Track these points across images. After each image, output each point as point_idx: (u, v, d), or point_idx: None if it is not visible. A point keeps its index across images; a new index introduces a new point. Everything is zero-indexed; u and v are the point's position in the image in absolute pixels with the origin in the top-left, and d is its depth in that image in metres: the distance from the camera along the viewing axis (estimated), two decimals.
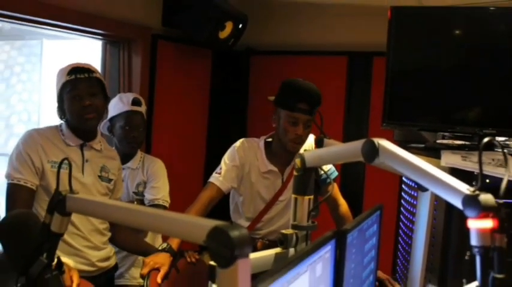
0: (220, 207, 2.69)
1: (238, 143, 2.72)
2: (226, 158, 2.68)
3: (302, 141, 2.56)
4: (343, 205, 2.90)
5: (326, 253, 1.50)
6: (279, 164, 2.68)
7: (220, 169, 2.65)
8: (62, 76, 2.45)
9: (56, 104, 2.53)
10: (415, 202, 2.14)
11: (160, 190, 3.03)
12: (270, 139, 2.71)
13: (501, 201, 1.22)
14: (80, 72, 2.45)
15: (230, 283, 0.94)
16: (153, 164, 3.11)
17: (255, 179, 2.68)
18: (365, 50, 4.14)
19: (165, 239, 2.53)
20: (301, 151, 2.54)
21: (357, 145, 1.60)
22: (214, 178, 2.63)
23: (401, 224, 2.88)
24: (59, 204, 1.30)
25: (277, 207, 2.70)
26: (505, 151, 2.33)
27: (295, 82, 2.59)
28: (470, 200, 1.23)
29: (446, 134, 2.67)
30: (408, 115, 2.63)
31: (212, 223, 0.97)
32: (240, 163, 2.66)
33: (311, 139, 2.65)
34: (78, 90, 2.43)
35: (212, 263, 0.97)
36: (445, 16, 2.61)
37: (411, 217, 2.51)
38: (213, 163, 2.83)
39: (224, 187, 2.62)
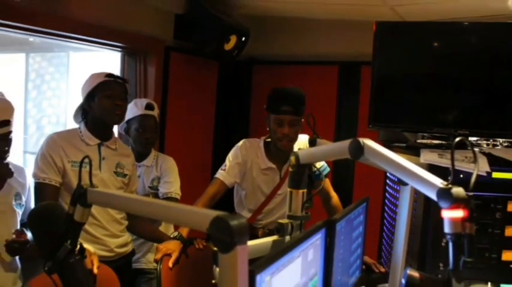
0: (225, 200, 2.71)
1: (240, 143, 2.73)
2: (230, 156, 2.69)
3: (291, 139, 2.56)
4: (335, 197, 2.91)
5: (317, 240, 1.51)
6: (277, 162, 2.68)
7: (225, 166, 2.66)
8: (97, 78, 2.50)
9: (77, 108, 2.56)
10: (397, 195, 2.14)
11: (172, 184, 3.03)
12: (269, 140, 2.71)
13: (471, 194, 1.23)
14: (116, 77, 2.55)
15: (230, 266, 0.94)
16: (166, 162, 3.11)
17: (256, 175, 2.69)
18: (354, 60, 4.13)
19: (177, 228, 2.54)
20: (296, 149, 2.55)
21: (344, 144, 1.61)
22: (220, 174, 2.64)
23: (385, 215, 2.88)
24: (81, 197, 1.31)
25: (275, 200, 2.70)
26: (475, 149, 2.35)
27: (278, 89, 2.62)
28: (444, 193, 1.24)
29: (425, 134, 2.67)
30: (392, 118, 2.63)
31: (214, 213, 0.97)
32: (242, 161, 2.66)
33: (305, 139, 2.65)
34: (113, 91, 2.50)
35: (215, 249, 0.97)
36: (424, 30, 2.61)
37: (394, 208, 2.52)
38: (218, 161, 2.84)
39: (228, 181, 2.63)
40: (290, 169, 1.89)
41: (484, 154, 2.28)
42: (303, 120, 2.57)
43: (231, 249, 0.93)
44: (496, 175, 2.22)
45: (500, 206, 2.24)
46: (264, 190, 2.70)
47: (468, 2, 3.38)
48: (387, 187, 2.83)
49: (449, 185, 1.24)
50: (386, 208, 2.87)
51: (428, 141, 2.63)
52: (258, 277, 1.08)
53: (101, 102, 2.48)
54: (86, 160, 1.44)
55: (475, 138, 2.55)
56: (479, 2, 3.34)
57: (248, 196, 2.74)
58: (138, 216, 2.63)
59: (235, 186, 2.75)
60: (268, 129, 2.63)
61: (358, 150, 1.54)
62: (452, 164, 1.25)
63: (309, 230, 1.48)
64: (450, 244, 1.23)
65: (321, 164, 2.73)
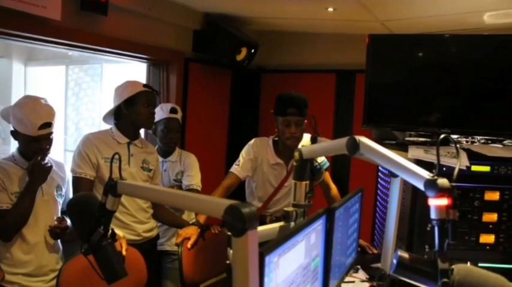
0: (238, 192, 2.69)
1: (252, 141, 2.72)
2: (243, 153, 2.68)
3: (297, 138, 2.54)
4: (334, 188, 2.89)
5: (319, 226, 1.50)
6: (284, 158, 2.66)
7: (239, 161, 2.65)
8: (135, 86, 2.51)
9: (110, 110, 2.56)
10: (388, 186, 2.12)
11: (194, 177, 3.02)
12: (276, 138, 2.70)
13: (454, 184, 1.20)
14: (152, 89, 2.57)
15: (242, 249, 0.93)
16: (188, 158, 3.10)
17: (266, 169, 2.67)
18: (349, 68, 4.11)
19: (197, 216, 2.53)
20: (300, 147, 2.53)
21: (342, 141, 1.59)
22: (234, 169, 2.63)
23: (378, 204, 2.86)
24: (112, 188, 1.30)
25: (282, 191, 2.69)
26: (457, 145, 2.33)
27: (284, 94, 2.59)
28: (430, 183, 1.22)
29: (412, 133, 2.65)
30: (383, 118, 2.61)
31: (229, 202, 0.96)
32: (254, 157, 2.65)
33: (307, 138, 2.63)
34: (151, 101, 2.54)
35: (229, 233, 0.96)
36: (410, 42, 2.58)
37: (385, 198, 2.49)
38: (232, 157, 2.82)
39: (241, 175, 2.62)
40: (294, 163, 1.87)
41: (464, 149, 2.26)
42: (306, 121, 2.55)
43: (243, 234, 0.92)
44: (474, 168, 2.20)
45: (478, 195, 2.22)
46: (273, 183, 2.68)
47: (449, 18, 3.35)
48: (379, 179, 2.81)
49: (435, 177, 1.22)
50: (378, 198, 2.84)
51: (415, 139, 2.61)
52: (267, 258, 1.07)
53: (139, 109, 2.48)
54: (116, 156, 1.43)
55: (455, 136, 2.52)
56: (459, 17, 3.31)
57: (258, 188, 2.72)
58: (162, 205, 2.64)
59: (247, 179, 2.74)
60: (276, 130, 2.62)
61: (354, 146, 1.52)
62: (438, 158, 1.23)
63: (311, 217, 1.46)
64: (436, 229, 1.20)
65: (321, 159, 2.71)
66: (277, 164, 2.66)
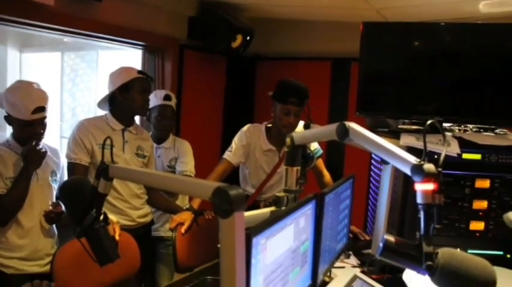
0: (232, 178, 2.71)
1: (245, 128, 2.72)
2: (236, 139, 2.69)
3: (293, 127, 2.55)
4: (327, 175, 2.91)
5: (308, 210, 1.52)
6: (277, 144, 2.67)
7: (232, 148, 2.66)
8: (130, 73, 2.51)
9: (105, 96, 2.56)
10: (381, 173, 2.14)
11: (187, 164, 3.04)
12: (270, 125, 2.71)
13: (440, 169, 1.22)
14: (146, 75, 2.57)
15: (229, 230, 0.94)
16: (182, 144, 3.11)
17: (258, 155, 2.69)
18: (344, 56, 4.12)
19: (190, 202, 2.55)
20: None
21: (332, 127, 1.60)
22: (227, 155, 2.64)
23: (370, 191, 2.88)
24: (104, 171, 1.32)
25: (275, 177, 2.69)
26: (448, 133, 2.35)
27: (287, 81, 2.57)
28: (417, 168, 1.23)
29: (405, 121, 2.66)
30: (376, 106, 2.61)
31: (216, 184, 0.97)
32: (246, 143, 2.66)
33: (301, 124, 2.64)
34: (145, 87, 2.54)
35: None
36: (405, 30, 2.57)
37: (378, 185, 2.51)
38: (226, 143, 2.83)
39: (234, 161, 2.63)
40: (286, 149, 1.88)
41: (455, 137, 2.27)
42: None
43: (229, 215, 0.93)
44: (465, 155, 2.22)
45: (469, 183, 2.24)
46: (265, 169, 2.70)
47: (444, 6, 3.36)
48: (372, 167, 2.83)
49: (422, 162, 1.24)
50: (371, 185, 2.87)
51: (408, 126, 2.62)
52: (254, 240, 1.09)
53: (134, 96, 2.49)
54: (108, 141, 1.44)
55: (448, 124, 2.54)
56: (454, 5, 3.32)
57: (251, 174, 2.74)
58: (156, 191, 2.66)
59: (241, 165, 2.75)
60: (272, 115, 2.61)
61: (344, 132, 1.54)
62: (424, 143, 1.24)
63: (300, 201, 1.48)
64: (422, 213, 1.22)
65: (314, 147, 2.73)
66: (270, 150, 2.68)
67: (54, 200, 2.37)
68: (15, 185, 2.15)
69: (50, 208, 2.27)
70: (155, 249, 3.04)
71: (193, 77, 4.00)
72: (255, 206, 2.58)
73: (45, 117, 2.25)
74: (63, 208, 2.27)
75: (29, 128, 2.19)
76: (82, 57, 5.96)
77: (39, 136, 2.24)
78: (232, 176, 2.71)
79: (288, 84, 2.56)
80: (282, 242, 1.28)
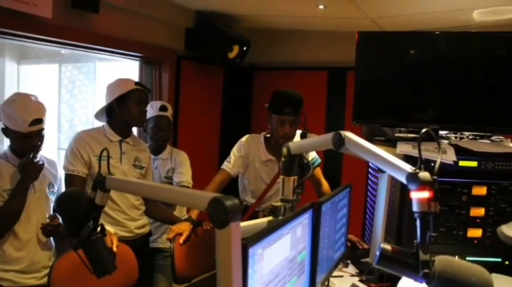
0: (230, 189, 2.71)
1: (244, 138, 2.73)
2: (234, 150, 2.69)
3: (290, 137, 2.55)
4: (325, 184, 2.91)
5: (305, 220, 1.52)
6: (276, 154, 2.67)
7: (230, 158, 2.67)
8: (127, 84, 2.51)
9: (103, 108, 2.57)
10: (377, 181, 2.15)
11: (184, 174, 3.03)
12: (268, 135, 2.71)
13: (435, 177, 1.23)
14: (144, 87, 2.57)
15: (225, 240, 0.95)
16: (179, 155, 3.11)
17: (258, 166, 2.69)
18: (341, 66, 4.14)
19: (189, 212, 2.55)
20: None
21: (328, 136, 1.61)
22: (225, 165, 2.65)
23: (368, 199, 2.89)
24: (100, 183, 1.32)
25: (275, 188, 2.70)
26: (444, 141, 2.36)
27: (281, 92, 2.58)
28: (412, 177, 1.24)
29: (401, 129, 2.67)
30: (372, 115, 2.62)
31: (212, 194, 0.98)
32: (245, 154, 2.66)
33: (298, 134, 2.65)
34: (143, 99, 2.54)
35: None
36: (400, 39, 2.60)
37: (375, 193, 2.51)
38: (224, 154, 2.84)
39: (233, 172, 2.63)
40: (282, 159, 1.89)
41: (451, 145, 2.28)
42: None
43: (225, 225, 0.94)
44: (462, 163, 2.23)
45: (466, 190, 2.25)
46: (265, 179, 2.70)
47: (439, 15, 3.39)
48: (369, 175, 2.83)
49: (417, 170, 1.25)
50: (368, 193, 2.87)
51: (404, 135, 2.63)
52: (251, 250, 1.09)
53: (131, 107, 2.49)
54: (105, 153, 1.44)
55: (444, 132, 2.55)
56: (449, 14, 3.35)
57: (251, 184, 2.74)
58: (153, 202, 2.65)
59: (240, 175, 2.76)
60: (270, 126, 2.62)
61: (339, 141, 1.55)
62: (419, 151, 1.25)
63: (297, 211, 1.48)
64: (418, 221, 1.23)
65: (313, 156, 2.73)
66: (269, 160, 2.68)
67: (52, 212, 2.37)
68: (12, 198, 2.15)
69: (47, 220, 2.27)
70: (153, 260, 3.02)
71: (191, 87, 4.02)
72: (254, 216, 2.58)
73: (42, 129, 2.25)
74: (60, 220, 2.27)
75: (27, 140, 2.19)
76: (79, 69, 5.98)
77: (37, 148, 2.24)
78: (231, 186, 2.71)
79: (282, 94, 2.57)
80: (278, 251, 1.28)
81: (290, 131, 2.53)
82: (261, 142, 2.70)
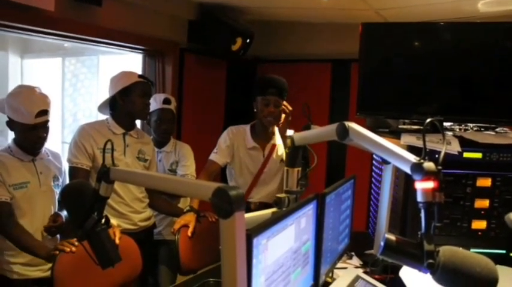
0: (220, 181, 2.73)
1: (228, 129, 2.83)
2: (220, 141, 2.79)
3: (275, 117, 2.64)
4: None
5: (309, 211, 1.52)
6: (261, 141, 2.76)
7: (217, 149, 2.76)
8: (131, 77, 2.52)
9: (106, 100, 2.57)
10: (381, 173, 2.14)
11: (188, 167, 3.04)
12: (254, 123, 2.80)
13: (440, 167, 1.22)
14: (147, 79, 2.58)
15: (230, 230, 0.95)
16: (183, 148, 3.12)
17: (242, 154, 2.76)
18: (345, 57, 4.13)
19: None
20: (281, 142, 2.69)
21: (332, 127, 1.61)
22: (213, 156, 2.74)
23: (372, 191, 2.88)
24: (105, 174, 1.32)
25: (263, 177, 2.76)
26: (449, 132, 2.35)
27: (265, 76, 2.74)
28: (417, 167, 1.24)
29: (405, 121, 2.66)
30: (376, 107, 2.61)
31: (216, 184, 0.98)
32: (230, 143, 2.75)
33: (289, 132, 2.66)
34: (146, 91, 2.56)
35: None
36: (404, 30, 2.58)
37: (379, 185, 2.51)
38: None
39: (220, 162, 2.72)
40: (286, 150, 1.89)
41: (456, 136, 2.27)
42: (283, 104, 2.63)
43: (230, 215, 0.94)
44: (466, 154, 2.22)
45: (470, 181, 2.24)
46: (250, 168, 2.76)
47: (443, 6, 3.36)
48: (373, 167, 2.83)
49: (422, 161, 1.24)
50: (372, 185, 2.86)
51: (408, 126, 2.62)
52: (255, 240, 1.09)
53: (134, 100, 2.49)
54: (108, 145, 1.44)
55: (449, 124, 2.54)
56: (453, 5, 3.32)
57: (237, 174, 2.81)
58: (157, 195, 2.66)
59: (228, 167, 2.83)
60: (255, 110, 2.70)
61: (343, 132, 1.54)
62: (424, 142, 1.25)
63: (301, 202, 1.48)
64: (422, 211, 1.23)
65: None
66: (253, 148, 2.75)
67: (57, 204, 2.38)
68: (27, 240, 2.10)
69: (50, 222, 2.27)
70: (158, 252, 3.04)
71: (194, 80, 4.01)
72: (246, 208, 2.59)
73: (48, 121, 2.25)
74: (64, 218, 2.28)
75: (33, 132, 2.20)
76: (83, 62, 5.99)
77: (43, 140, 2.25)
78: (223, 179, 2.75)
79: (266, 77, 2.70)
80: (283, 242, 1.28)
81: (274, 111, 2.61)
82: (247, 131, 2.79)
